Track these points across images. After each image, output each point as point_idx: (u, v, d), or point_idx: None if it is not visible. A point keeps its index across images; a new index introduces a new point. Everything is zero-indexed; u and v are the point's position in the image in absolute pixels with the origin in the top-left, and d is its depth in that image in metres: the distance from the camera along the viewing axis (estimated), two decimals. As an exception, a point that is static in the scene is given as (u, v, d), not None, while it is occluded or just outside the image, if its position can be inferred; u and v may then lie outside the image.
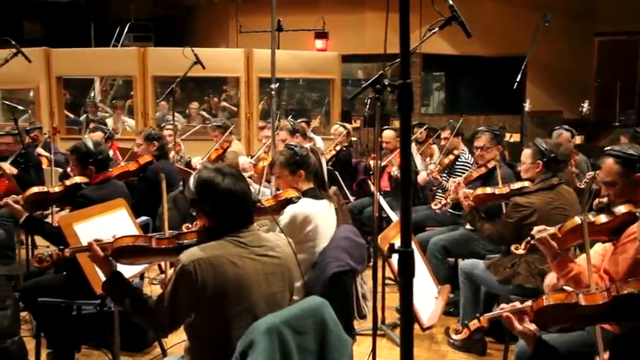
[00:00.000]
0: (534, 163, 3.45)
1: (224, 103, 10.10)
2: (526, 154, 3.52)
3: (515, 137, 7.30)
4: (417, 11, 6.26)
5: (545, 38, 6.67)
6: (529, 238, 2.56)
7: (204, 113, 9.50)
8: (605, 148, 2.64)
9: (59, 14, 14.76)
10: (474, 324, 2.13)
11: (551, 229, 2.53)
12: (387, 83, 2.40)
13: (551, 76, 11.18)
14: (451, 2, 2.67)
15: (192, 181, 2.09)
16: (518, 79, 5.28)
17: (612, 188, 2.56)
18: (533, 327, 1.92)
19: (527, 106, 5.49)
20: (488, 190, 3.69)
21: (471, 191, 3.71)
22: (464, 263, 3.73)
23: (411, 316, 1.66)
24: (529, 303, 1.94)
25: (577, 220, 2.47)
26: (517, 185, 3.56)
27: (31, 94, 9.17)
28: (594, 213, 2.55)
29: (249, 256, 2.02)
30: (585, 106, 6.74)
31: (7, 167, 5.14)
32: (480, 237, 3.90)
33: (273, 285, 2.06)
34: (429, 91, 13.48)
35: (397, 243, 1.63)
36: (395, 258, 1.63)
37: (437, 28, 2.78)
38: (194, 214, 2.17)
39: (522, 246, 2.62)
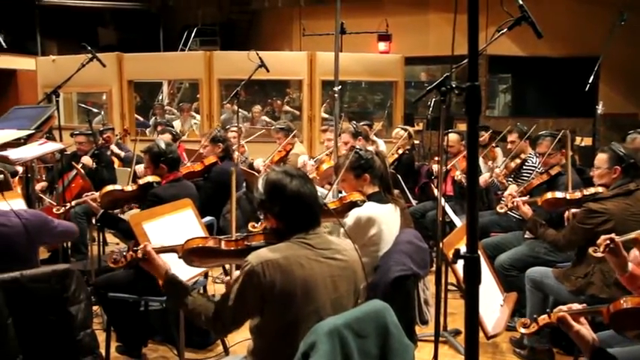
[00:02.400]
0: (611, 168, 3.30)
1: (286, 107, 10.21)
2: (601, 159, 3.36)
3: (587, 141, 7.01)
4: (484, 12, 6.10)
5: (620, 37, 6.37)
6: (608, 242, 2.41)
7: (265, 118, 9.63)
8: None
9: (131, 21, 15.37)
10: (543, 319, 2.07)
11: (633, 234, 2.40)
12: (454, 85, 2.35)
13: (626, 77, 10.66)
14: (521, 2, 2.59)
15: (260, 182, 2.11)
16: (590, 81, 5.07)
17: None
18: (590, 332, 1.85)
19: (600, 109, 5.27)
20: (559, 194, 3.56)
21: (524, 198, 3.60)
22: (531, 271, 3.61)
23: (476, 323, 1.62)
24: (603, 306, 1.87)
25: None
26: (590, 191, 3.42)
27: (104, 97, 9.58)
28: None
29: (317, 259, 2.02)
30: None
31: (87, 160, 5.38)
32: (545, 245, 3.75)
33: (339, 288, 2.06)
34: (494, 93, 13.16)
35: (462, 248, 1.60)
36: (460, 264, 1.60)
37: (506, 29, 2.71)
38: (261, 216, 2.19)
39: (601, 248, 2.46)
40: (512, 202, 3.69)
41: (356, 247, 2.18)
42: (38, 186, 5.59)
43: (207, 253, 2.22)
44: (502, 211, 3.84)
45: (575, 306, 1.98)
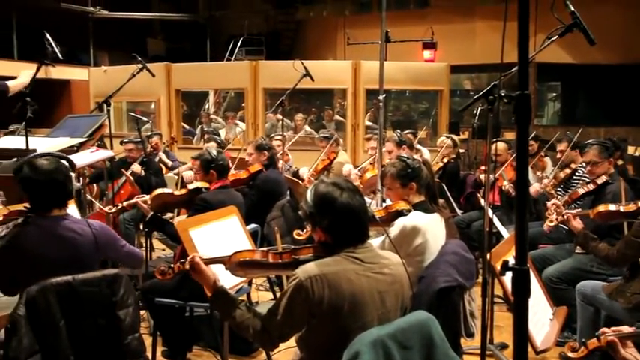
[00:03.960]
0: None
1: (337, 116, 10.23)
2: None
3: (641, 150, 6.78)
4: (533, 18, 6.00)
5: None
6: None
7: (307, 127, 9.67)
8: None
9: (179, 32, 15.76)
10: (592, 342, 1.99)
11: None
12: (502, 94, 2.31)
13: (683, 84, 10.31)
14: (572, 8, 2.53)
15: (309, 194, 2.08)
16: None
17: None
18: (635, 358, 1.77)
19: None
20: (612, 207, 3.44)
21: (574, 211, 3.49)
22: (582, 284, 3.49)
23: (525, 337, 1.58)
24: None
25: None
26: (646, 203, 3.30)
27: (153, 105, 9.83)
28: None
29: (365, 273, 1.99)
30: None
31: (137, 168, 5.52)
32: (595, 260, 3.62)
33: (386, 303, 2.03)
34: (542, 101, 12.88)
35: (511, 260, 1.56)
36: (508, 276, 1.56)
37: (556, 36, 2.65)
38: (308, 227, 2.18)
39: None
40: (562, 216, 3.58)
41: (403, 261, 2.15)
42: (90, 192, 5.76)
43: (253, 265, 2.21)
44: (552, 225, 3.73)
45: (626, 328, 1.90)
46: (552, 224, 3.73)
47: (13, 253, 2.50)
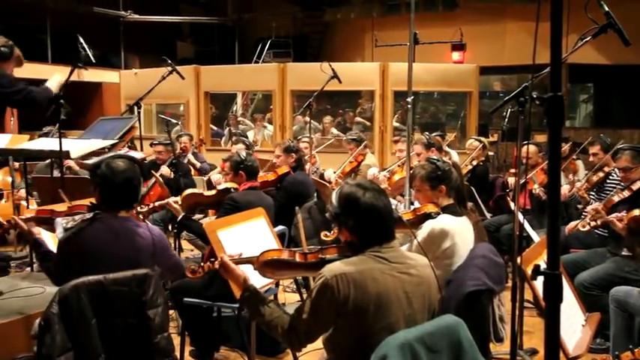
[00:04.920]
0: None
1: (358, 118, 10.22)
2: None
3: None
4: (564, 19, 5.91)
5: None
6: None
7: (334, 130, 9.66)
8: None
9: (208, 35, 15.93)
10: (626, 356, 1.94)
11: None
12: (534, 96, 2.27)
13: None
14: (607, 8, 2.48)
15: (334, 196, 2.11)
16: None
17: None
18: None
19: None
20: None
21: (614, 215, 3.41)
22: (616, 290, 3.41)
23: (557, 343, 1.55)
24: None
25: None
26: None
27: (182, 108, 9.94)
28: None
29: (391, 273, 1.99)
30: None
31: (166, 170, 5.60)
32: (631, 265, 3.53)
33: (413, 305, 2.02)
34: (574, 103, 12.65)
35: (542, 264, 1.54)
36: (539, 281, 1.53)
37: (590, 37, 2.60)
38: (335, 229, 2.19)
39: None
40: (601, 219, 3.49)
41: (431, 263, 2.14)
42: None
43: (281, 265, 2.23)
44: (586, 229, 3.66)
45: None
46: (585, 229, 3.66)
47: (75, 246, 2.54)
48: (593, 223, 3.60)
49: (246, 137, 7.49)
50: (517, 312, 3.03)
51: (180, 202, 3.74)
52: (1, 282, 4.03)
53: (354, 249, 2.06)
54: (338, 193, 2.11)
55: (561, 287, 1.48)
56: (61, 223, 2.65)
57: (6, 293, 3.81)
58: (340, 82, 5.41)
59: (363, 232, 2.06)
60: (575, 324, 2.88)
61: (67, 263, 2.58)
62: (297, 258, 2.20)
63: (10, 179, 5.96)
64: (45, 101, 3.76)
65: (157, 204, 3.98)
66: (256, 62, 13.16)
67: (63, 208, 3.23)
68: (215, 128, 10.05)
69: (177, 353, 3.36)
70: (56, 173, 4.69)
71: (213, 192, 3.78)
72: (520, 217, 3.00)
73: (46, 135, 5.75)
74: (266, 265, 2.24)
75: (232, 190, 3.72)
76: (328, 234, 2.71)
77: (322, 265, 2.01)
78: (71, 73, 3.89)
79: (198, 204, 3.91)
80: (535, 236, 3.95)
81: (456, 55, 11.40)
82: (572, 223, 4.06)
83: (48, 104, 3.71)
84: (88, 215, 2.59)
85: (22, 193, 5.50)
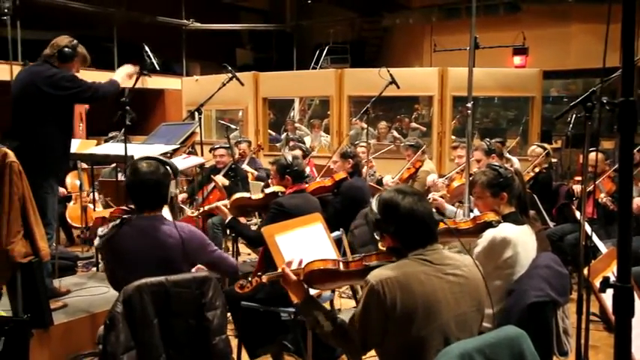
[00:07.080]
0: None
1: (413, 124, 10.11)
2: None
3: None
4: (637, 20, 5.67)
5: None
6: None
7: (394, 132, 9.60)
8: None
9: (267, 41, 16.16)
10: None
11: None
12: (604, 101, 2.18)
13: None
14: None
15: (374, 203, 2.13)
16: None
17: None
18: None
19: None
20: None
21: None
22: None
23: (628, 359, 1.48)
24: None
25: None
26: None
27: (240, 113, 10.12)
28: None
29: (436, 274, 1.99)
30: None
31: (220, 179, 5.71)
32: None
33: (461, 305, 2.00)
34: (646, 108, 12.09)
35: (611, 276, 1.47)
36: (608, 293, 1.47)
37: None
38: (378, 236, 2.19)
39: None
40: None
41: (476, 262, 2.12)
42: (180, 197, 6.01)
43: (326, 275, 2.24)
44: None
45: None
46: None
47: (109, 253, 2.70)
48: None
49: (304, 143, 7.55)
50: (583, 325, 2.92)
51: (228, 206, 3.79)
52: (68, 281, 4.22)
53: (398, 254, 2.07)
54: (377, 199, 2.13)
55: (633, 301, 1.42)
56: (100, 231, 2.73)
57: (73, 292, 3.98)
58: (398, 87, 5.36)
59: (405, 237, 2.06)
60: (646, 340, 2.74)
61: (110, 268, 2.72)
62: (341, 267, 2.21)
63: (78, 183, 6.24)
64: (114, 94, 3.85)
65: (206, 207, 4.06)
66: (314, 68, 13.25)
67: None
68: (273, 134, 10.17)
69: (235, 356, 3.40)
70: (121, 177, 4.86)
71: (261, 196, 3.82)
72: (587, 227, 2.89)
73: (112, 140, 5.97)
74: (312, 275, 2.25)
75: (279, 194, 3.73)
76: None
77: (367, 273, 2.01)
78: (137, 80, 4.02)
79: (246, 207, 3.96)
80: (602, 247, 3.79)
81: (517, 60, 11.12)
82: None
83: (116, 100, 3.78)
84: (117, 221, 2.68)
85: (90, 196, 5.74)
